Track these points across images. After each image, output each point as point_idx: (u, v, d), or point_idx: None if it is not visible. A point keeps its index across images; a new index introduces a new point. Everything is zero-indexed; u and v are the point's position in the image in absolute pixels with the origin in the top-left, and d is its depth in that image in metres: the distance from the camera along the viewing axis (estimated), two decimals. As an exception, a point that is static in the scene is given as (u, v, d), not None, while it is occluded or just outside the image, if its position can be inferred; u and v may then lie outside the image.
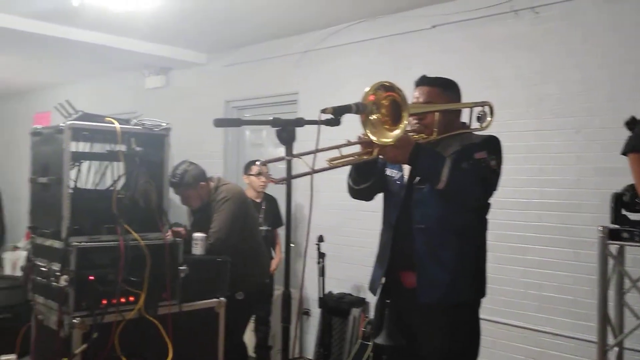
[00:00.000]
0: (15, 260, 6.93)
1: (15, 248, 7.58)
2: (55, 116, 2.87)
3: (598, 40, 3.54)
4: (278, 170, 4.62)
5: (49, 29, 4.98)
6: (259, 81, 5.63)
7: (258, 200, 4.78)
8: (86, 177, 2.75)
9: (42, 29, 4.96)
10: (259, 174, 4.70)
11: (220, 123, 1.87)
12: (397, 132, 2.04)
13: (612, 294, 3.16)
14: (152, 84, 6.66)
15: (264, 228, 4.63)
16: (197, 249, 3.14)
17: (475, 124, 2.42)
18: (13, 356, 3.77)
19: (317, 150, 1.93)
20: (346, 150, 2.24)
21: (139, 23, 4.91)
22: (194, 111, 6.05)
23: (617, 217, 3.01)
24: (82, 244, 2.55)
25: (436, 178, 2.13)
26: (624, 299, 3.20)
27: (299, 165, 2.03)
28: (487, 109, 2.41)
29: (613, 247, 3.09)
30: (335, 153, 2.20)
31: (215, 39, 5.51)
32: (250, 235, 3.70)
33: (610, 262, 3.09)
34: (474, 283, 2.34)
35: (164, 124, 2.89)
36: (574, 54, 3.64)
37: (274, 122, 1.85)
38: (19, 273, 5.31)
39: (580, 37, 3.62)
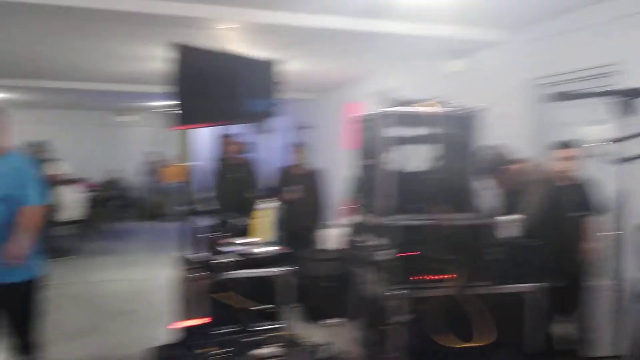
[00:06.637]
0: (328, 237, 7.46)
1: (327, 226, 8.21)
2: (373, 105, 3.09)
3: None
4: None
5: (360, 25, 5.35)
6: (567, 55, 5.18)
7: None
8: (409, 160, 2.92)
9: (354, 25, 5.35)
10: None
11: (557, 97, 1.79)
12: None
13: None
14: (453, 68, 6.70)
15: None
16: (510, 231, 3.04)
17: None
18: (337, 320, 4.23)
19: None
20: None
21: (441, 9, 4.96)
22: (494, 92, 5.89)
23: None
24: (399, 222, 2.72)
25: None
26: None
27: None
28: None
29: None
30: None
31: (518, 13, 5.25)
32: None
33: None
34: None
35: (471, 107, 2.89)
36: None
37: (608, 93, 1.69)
38: (334, 248, 5.89)
39: None
